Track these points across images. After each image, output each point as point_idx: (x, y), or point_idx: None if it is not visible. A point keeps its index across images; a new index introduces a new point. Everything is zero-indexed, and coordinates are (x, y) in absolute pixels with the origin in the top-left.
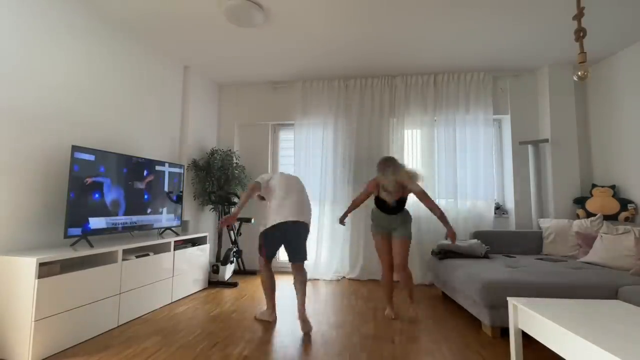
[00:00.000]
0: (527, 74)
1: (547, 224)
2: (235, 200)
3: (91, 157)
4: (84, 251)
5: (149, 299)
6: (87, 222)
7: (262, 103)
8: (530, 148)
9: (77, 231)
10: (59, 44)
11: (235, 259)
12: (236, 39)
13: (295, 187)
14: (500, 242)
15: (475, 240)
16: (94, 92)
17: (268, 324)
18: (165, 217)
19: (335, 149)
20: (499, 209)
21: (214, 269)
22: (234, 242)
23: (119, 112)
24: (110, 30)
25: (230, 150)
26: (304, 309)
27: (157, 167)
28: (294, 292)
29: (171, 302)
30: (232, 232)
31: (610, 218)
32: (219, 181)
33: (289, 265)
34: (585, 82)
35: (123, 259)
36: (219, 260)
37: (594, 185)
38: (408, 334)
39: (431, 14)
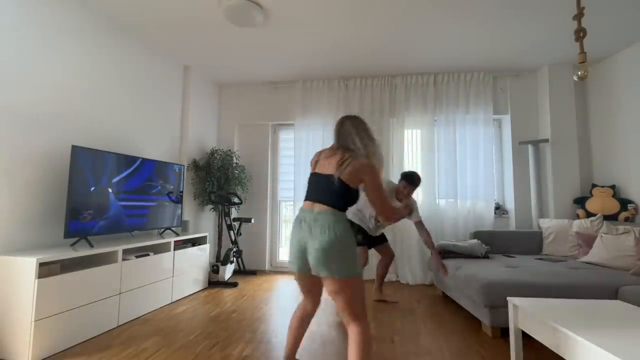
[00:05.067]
0: (527, 74)
1: (547, 224)
2: (236, 200)
3: (91, 157)
4: (84, 251)
5: (149, 299)
6: (87, 222)
7: (262, 103)
8: (530, 148)
9: (77, 231)
10: (58, 44)
11: (235, 259)
12: (236, 39)
13: None
14: (500, 242)
15: (475, 240)
16: (93, 92)
17: (267, 324)
18: (165, 217)
19: None
20: (499, 209)
21: (214, 269)
22: (234, 242)
23: (119, 112)
24: (110, 30)
25: (230, 150)
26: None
27: (157, 167)
28: (294, 291)
29: (171, 302)
30: (232, 232)
31: (610, 218)
32: (219, 181)
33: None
34: (585, 82)
35: (123, 259)
36: (219, 260)
37: (594, 185)
38: (408, 334)
39: (431, 14)
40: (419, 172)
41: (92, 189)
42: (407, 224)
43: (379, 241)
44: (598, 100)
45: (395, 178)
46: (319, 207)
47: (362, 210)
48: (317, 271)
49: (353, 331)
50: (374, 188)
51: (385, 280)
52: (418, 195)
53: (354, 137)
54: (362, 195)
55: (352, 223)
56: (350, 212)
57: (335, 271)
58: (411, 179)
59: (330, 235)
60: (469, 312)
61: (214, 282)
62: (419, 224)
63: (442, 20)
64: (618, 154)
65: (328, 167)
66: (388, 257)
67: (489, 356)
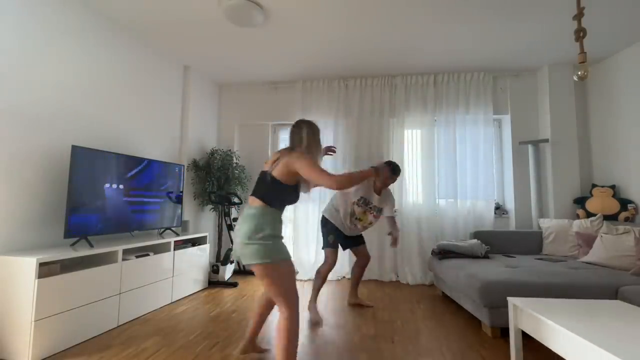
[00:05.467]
0: (527, 74)
1: (547, 224)
2: (236, 200)
3: (91, 157)
4: (84, 251)
5: (149, 299)
6: (87, 222)
7: (262, 103)
8: (530, 148)
9: (77, 231)
10: (58, 44)
11: (235, 259)
12: (236, 39)
13: None
14: (500, 242)
15: (475, 240)
16: (93, 92)
17: (267, 324)
18: (165, 217)
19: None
20: (499, 209)
21: (214, 269)
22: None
23: (119, 112)
24: (110, 30)
25: (230, 150)
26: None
27: (157, 167)
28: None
29: (171, 302)
30: (232, 232)
31: (610, 218)
32: (219, 181)
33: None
34: (585, 82)
35: (123, 259)
36: (219, 260)
37: (594, 185)
38: (408, 333)
39: (431, 14)
40: (419, 173)
41: (92, 189)
42: (406, 224)
43: (356, 242)
44: (598, 100)
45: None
46: (252, 200)
47: (338, 210)
48: (238, 257)
49: (280, 316)
50: (307, 168)
51: (386, 280)
52: (418, 195)
53: (296, 139)
54: (338, 194)
55: (326, 223)
56: (328, 212)
57: (249, 257)
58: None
59: (248, 224)
60: (469, 312)
61: (214, 282)
62: (391, 220)
63: (442, 20)
64: (618, 154)
65: (268, 165)
66: (364, 259)
67: (489, 356)
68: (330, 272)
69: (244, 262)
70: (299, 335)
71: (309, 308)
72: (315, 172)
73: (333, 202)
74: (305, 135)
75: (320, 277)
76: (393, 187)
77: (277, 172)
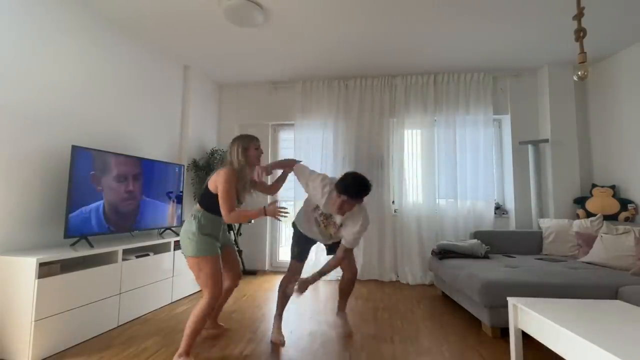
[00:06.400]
0: (527, 74)
1: (547, 224)
2: None
3: (91, 157)
4: (84, 251)
5: (149, 299)
6: (87, 222)
7: (262, 103)
8: (530, 148)
9: (77, 231)
10: (58, 43)
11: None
12: (236, 39)
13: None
14: (500, 242)
15: (475, 240)
16: (93, 92)
17: (267, 324)
18: (165, 217)
19: (335, 149)
20: (499, 209)
21: None
22: (234, 242)
23: (119, 112)
24: (109, 30)
25: None
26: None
27: (157, 167)
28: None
29: (171, 302)
30: (232, 232)
31: (610, 218)
32: None
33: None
34: (585, 82)
35: (123, 259)
36: None
37: (594, 185)
38: (408, 333)
39: (431, 15)
40: (419, 173)
41: (92, 189)
42: (406, 224)
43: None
44: (598, 100)
45: (395, 180)
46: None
47: (309, 220)
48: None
49: (201, 300)
50: (220, 192)
51: (386, 280)
52: (418, 195)
53: (229, 155)
54: (305, 201)
55: (295, 230)
56: (296, 217)
57: (184, 250)
58: (342, 187)
59: (186, 224)
60: (469, 312)
61: None
62: (341, 252)
63: (442, 20)
64: (618, 154)
65: None
66: (346, 273)
67: (489, 356)
68: (331, 272)
69: (183, 253)
70: (206, 319)
71: (273, 325)
72: (222, 198)
73: (306, 214)
74: (231, 152)
75: (282, 289)
76: (393, 187)
77: (209, 183)
